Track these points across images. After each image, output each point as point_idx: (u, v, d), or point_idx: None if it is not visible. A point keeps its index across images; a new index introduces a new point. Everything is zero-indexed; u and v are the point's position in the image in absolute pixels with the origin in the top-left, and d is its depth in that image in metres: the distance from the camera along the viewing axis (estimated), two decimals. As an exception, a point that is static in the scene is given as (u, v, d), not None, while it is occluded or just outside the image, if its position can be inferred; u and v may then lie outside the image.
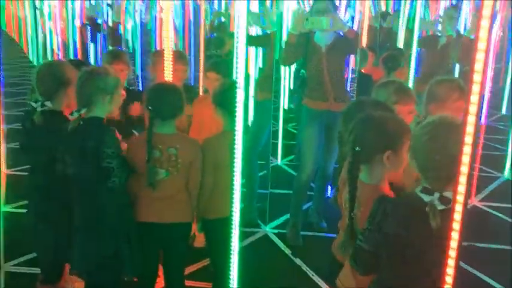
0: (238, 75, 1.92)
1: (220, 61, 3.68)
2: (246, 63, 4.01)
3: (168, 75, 2.79)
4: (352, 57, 6.17)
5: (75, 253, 2.36)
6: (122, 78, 3.33)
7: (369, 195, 1.72)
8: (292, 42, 3.73)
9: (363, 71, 4.73)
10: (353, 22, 8.36)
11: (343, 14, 7.88)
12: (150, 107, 2.33)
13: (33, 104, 2.48)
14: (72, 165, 2.34)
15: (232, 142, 2.17)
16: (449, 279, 1.29)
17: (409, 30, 6.83)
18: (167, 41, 2.84)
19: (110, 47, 3.86)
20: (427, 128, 1.53)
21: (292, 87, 5.91)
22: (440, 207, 1.45)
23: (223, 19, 7.33)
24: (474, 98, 1.19)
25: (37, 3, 10.75)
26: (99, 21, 7.56)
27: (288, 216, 4.07)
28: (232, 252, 2.10)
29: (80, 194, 2.35)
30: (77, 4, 7.52)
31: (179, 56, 3.24)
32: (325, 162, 3.92)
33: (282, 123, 5.51)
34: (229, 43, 5.69)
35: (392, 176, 1.81)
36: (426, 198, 1.47)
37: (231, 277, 2.13)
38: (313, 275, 3.33)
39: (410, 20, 7.92)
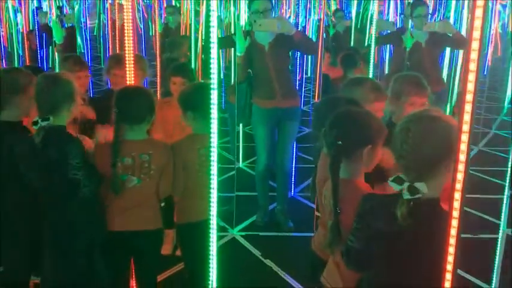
0: (212, 76, 1.88)
1: (182, 65, 3.65)
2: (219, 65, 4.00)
3: (130, 80, 2.71)
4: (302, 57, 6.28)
5: (46, 270, 2.24)
6: (84, 85, 3.23)
7: (347, 190, 1.74)
8: (242, 62, 3.78)
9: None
10: (297, 22, 8.48)
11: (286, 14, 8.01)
12: (117, 111, 2.25)
13: None
14: (38, 178, 2.21)
15: (204, 145, 2.16)
16: (448, 275, 1.30)
17: (359, 30, 7.05)
18: (128, 43, 2.76)
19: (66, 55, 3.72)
20: (404, 119, 1.56)
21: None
22: (406, 196, 1.45)
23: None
24: (468, 107, 1.21)
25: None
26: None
27: (254, 218, 4.11)
28: (211, 256, 2.05)
29: (49, 207, 2.24)
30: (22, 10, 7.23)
31: (138, 60, 3.16)
32: (282, 159, 3.99)
33: (241, 125, 5.50)
34: (184, 45, 5.65)
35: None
36: (396, 187, 1.49)
37: (210, 281, 2.08)
38: (284, 275, 3.33)
39: (360, 20, 8.16)
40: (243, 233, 3.92)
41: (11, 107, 2.34)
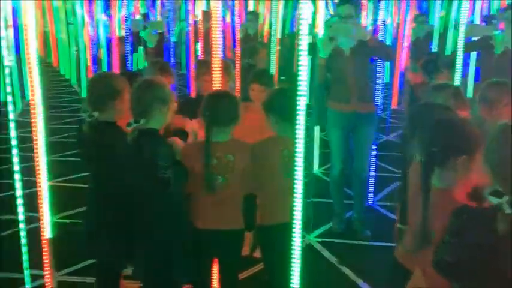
0: (301, 83, 1.90)
1: (262, 72, 3.73)
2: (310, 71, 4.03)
3: (217, 84, 2.81)
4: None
5: (138, 260, 2.39)
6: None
7: (439, 199, 1.70)
8: (323, 64, 3.79)
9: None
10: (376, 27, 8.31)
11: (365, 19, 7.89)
12: (208, 114, 2.36)
13: (82, 114, 2.52)
14: (131, 175, 2.36)
15: (287, 146, 2.21)
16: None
17: (442, 35, 6.79)
18: (216, 50, 2.85)
19: (153, 59, 3.93)
20: (498, 130, 1.50)
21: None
22: (508, 210, 1.40)
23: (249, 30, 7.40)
24: None
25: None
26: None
27: (331, 224, 4.09)
28: (293, 261, 2.07)
29: (140, 202, 2.37)
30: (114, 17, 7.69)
31: (225, 66, 3.26)
32: (357, 165, 3.96)
33: (318, 131, 5.48)
34: (262, 52, 5.74)
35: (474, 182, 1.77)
36: (495, 200, 1.43)
37: (291, 286, 2.10)
38: (362, 283, 3.29)
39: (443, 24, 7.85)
40: (319, 239, 3.91)
41: (108, 109, 2.51)
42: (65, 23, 11.63)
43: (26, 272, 3.05)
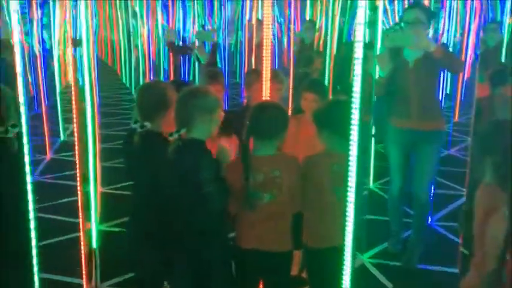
0: (355, 95, 1.74)
1: (315, 81, 3.56)
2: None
3: (266, 95, 2.69)
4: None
5: (175, 275, 2.29)
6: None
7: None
8: (385, 77, 3.53)
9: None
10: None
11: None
12: (250, 126, 2.23)
13: (133, 125, 2.45)
14: (173, 187, 2.26)
15: (338, 162, 2.10)
16: None
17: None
18: (266, 60, 2.74)
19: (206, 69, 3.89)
20: None
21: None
22: None
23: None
24: None
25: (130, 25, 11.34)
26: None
27: (384, 245, 3.85)
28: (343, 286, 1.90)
29: (180, 215, 2.28)
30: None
31: (275, 75, 3.13)
32: (418, 187, 3.60)
33: (373, 143, 5.24)
34: (317, 61, 5.59)
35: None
36: None
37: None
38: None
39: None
40: (373, 261, 3.67)
41: (157, 119, 2.43)
42: (125, 31, 12.01)
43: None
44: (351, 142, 1.78)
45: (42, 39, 8.78)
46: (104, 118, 7.54)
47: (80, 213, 2.63)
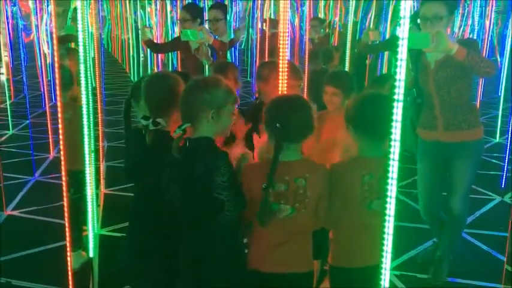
0: (398, 91, 1.43)
1: (338, 73, 3.19)
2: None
3: (283, 90, 2.39)
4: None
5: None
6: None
7: None
8: (409, 79, 3.14)
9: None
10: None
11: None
12: (278, 127, 1.86)
13: (143, 122, 2.11)
14: (179, 194, 1.94)
15: (370, 171, 1.85)
16: None
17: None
18: (283, 51, 2.44)
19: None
20: None
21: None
22: None
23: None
24: None
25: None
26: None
27: (410, 254, 3.55)
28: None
29: (187, 227, 1.97)
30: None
31: (294, 70, 2.80)
32: (451, 203, 3.15)
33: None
34: (336, 56, 5.30)
35: None
36: None
37: None
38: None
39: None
40: (397, 272, 3.35)
41: (166, 115, 2.14)
42: (134, 28, 11.86)
43: None
44: (391, 143, 1.48)
45: (51, 37, 8.59)
46: (110, 116, 7.26)
47: (66, 220, 2.31)
